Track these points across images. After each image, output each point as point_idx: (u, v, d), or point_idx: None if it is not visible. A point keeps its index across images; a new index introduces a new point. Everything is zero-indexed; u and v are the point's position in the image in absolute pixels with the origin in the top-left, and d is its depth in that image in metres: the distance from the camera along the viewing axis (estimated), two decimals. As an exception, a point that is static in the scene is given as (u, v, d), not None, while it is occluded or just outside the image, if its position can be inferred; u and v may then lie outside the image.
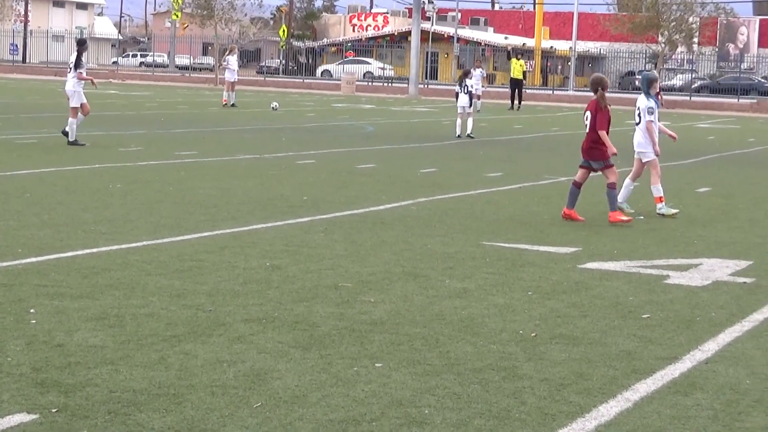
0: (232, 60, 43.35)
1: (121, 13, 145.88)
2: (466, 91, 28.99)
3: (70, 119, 22.57)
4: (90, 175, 17.29)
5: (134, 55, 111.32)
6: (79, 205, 13.76)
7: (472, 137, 28.96)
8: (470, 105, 29.43)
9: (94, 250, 10.68)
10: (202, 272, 9.77)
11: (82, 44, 23.60)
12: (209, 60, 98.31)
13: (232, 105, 42.32)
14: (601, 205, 15.86)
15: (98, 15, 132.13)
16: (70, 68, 22.91)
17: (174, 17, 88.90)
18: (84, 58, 23.02)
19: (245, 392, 6.35)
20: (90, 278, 9.31)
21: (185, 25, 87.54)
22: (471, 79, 30.66)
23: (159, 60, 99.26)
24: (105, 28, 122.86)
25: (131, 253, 10.60)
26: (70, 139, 22.45)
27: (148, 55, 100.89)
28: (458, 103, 29.40)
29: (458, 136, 29.14)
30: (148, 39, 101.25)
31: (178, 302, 8.54)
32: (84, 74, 22.77)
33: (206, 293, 8.92)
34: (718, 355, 7.64)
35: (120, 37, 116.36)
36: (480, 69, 48.83)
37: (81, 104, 22.60)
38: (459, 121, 29.45)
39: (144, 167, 18.65)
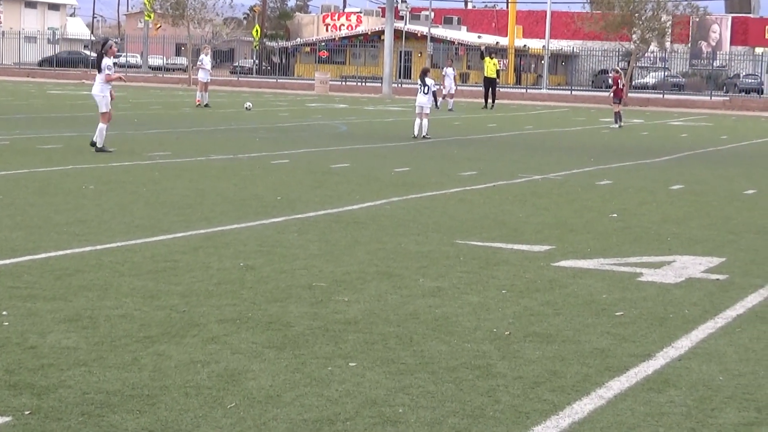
0: (206, 60, 43.28)
1: (93, 13, 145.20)
2: (426, 91, 28.77)
3: (100, 125, 21.41)
4: (63, 176, 17.22)
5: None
6: (52, 206, 13.70)
7: (428, 138, 28.46)
8: (433, 105, 29.11)
9: (68, 251, 10.64)
10: (176, 273, 9.74)
11: (104, 45, 22.33)
12: (182, 60, 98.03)
13: (206, 105, 42.21)
14: (576, 203, 15.90)
15: (71, 16, 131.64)
16: (97, 72, 21.71)
17: (147, 18, 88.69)
18: (107, 60, 21.57)
19: (219, 393, 6.33)
20: (63, 280, 9.27)
21: (158, 26, 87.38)
22: (432, 78, 30.29)
23: (132, 60, 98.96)
24: (77, 28, 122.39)
25: (104, 254, 10.56)
26: (98, 145, 21.33)
27: (120, 55, 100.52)
28: (416, 102, 29.19)
29: (414, 136, 28.62)
30: (120, 39, 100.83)
31: (151, 303, 8.52)
32: (111, 75, 21.56)
33: (180, 294, 8.89)
34: (691, 352, 7.67)
35: (93, 38, 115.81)
36: (451, 68, 48.91)
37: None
38: (417, 120, 28.84)
39: (117, 168, 18.58)
